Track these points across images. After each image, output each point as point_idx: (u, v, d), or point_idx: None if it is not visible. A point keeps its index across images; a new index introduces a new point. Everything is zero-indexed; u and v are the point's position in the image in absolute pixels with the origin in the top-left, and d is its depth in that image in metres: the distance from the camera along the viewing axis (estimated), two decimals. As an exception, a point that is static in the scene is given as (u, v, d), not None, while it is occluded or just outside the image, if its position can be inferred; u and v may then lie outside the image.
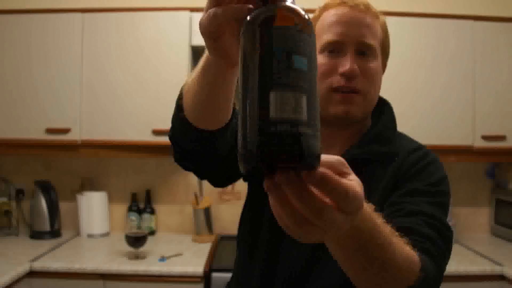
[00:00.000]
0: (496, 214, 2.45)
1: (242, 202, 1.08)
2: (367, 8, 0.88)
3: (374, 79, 0.88)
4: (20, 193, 2.43)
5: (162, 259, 1.93)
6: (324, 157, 0.45)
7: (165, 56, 2.12)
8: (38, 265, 1.83)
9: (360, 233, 0.53)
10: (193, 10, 2.14)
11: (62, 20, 2.13)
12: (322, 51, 0.89)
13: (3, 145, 2.15)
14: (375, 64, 0.88)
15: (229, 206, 2.47)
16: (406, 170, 0.87)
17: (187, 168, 0.89)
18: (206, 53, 0.62)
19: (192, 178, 2.45)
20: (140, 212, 2.41)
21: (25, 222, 2.39)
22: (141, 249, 1.98)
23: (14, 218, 2.34)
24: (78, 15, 2.13)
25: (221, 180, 0.93)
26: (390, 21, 2.30)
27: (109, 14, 2.14)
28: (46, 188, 2.30)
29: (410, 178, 0.86)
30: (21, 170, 2.48)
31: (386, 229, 0.60)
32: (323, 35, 0.88)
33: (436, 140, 2.15)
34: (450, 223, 2.29)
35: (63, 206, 2.40)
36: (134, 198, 2.42)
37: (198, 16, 2.13)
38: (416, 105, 2.15)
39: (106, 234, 2.37)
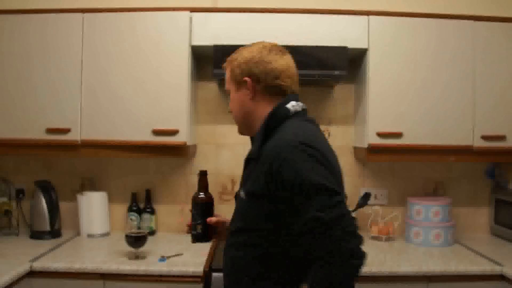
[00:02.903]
0: (496, 214, 2.45)
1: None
2: (227, 62, 1.31)
3: (231, 105, 1.30)
4: (20, 193, 2.43)
5: (162, 259, 1.93)
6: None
7: (164, 56, 2.12)
8: (38, 265, 1.83)
9: None
10: (193, 10, 2.14)
11: (62, 20, 2.13)
12: None
13: (3, 145, 2.15)
14: (230, 96, 1.30)
15: (229, 206, 2.47)
16: (272, 173, 1.08)
17: None
18: None
19: (192, 178, 2.45)
20: (140, 212, 2.41)
21: (25, 222, 2.39)
22: (141, 249, 1.98)
23: (14, 218, 2.35)
24: (78, 15, 2.13)
25: None
26: (391, 21, 2.32)
27: (109, 14, 2.14)
28: (46, 188, 2.31)
29: (279, 187, 1.06)
30: (21, 170, 2.48)
31: None
32: None
33: (436, 140, 2.15)
34: (450, 223, 2.30)
35: (63, 206, 2.40)
36: (134, 198, 2.42)
37: (198, 16, 2.13)
38: (416, 105, 2.15)
39: (106, 234, 2.37)
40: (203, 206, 1.42)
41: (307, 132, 1.12)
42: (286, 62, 1.24)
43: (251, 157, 1.20)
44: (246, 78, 1.23)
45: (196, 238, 1.41)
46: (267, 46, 1.26)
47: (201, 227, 1.40)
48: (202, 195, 1.44)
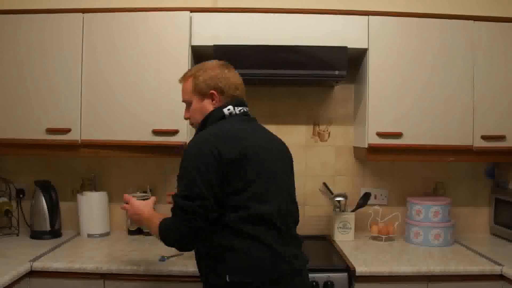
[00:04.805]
0: (496, 214, 2.46)
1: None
2: (182, 78, 1.58)
3: (193, 114, 1.55)
4: (20, 193, 2.43)
5: (162, 259, 1.94)
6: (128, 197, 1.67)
7: (165, 56, 2.12)
8: (39, 265, 1.83)
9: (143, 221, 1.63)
10: (193, 10, 2.14)
11: (63, 20, 2.13)
12: None
13: (3, 145, 2.15)
14: (192, 106, 1.55)
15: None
16: None
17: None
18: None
19: (192, 178, 2.44)
20: (140, 212, 2.41)
21: (25, 222, 2.39)
22: (141, 248, 1.97)
23: (14, 218, 2.35)
24: (79, 15, 2.13)
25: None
26: (390, 21, 2.32)
27: (110, 14, 2.14)
28: (46, 188, 2.31)
29: None
30: (21, 170, 2.48)
31: (154, 218, 1.53)
32: None
33: (436, 140, 2.15)
34: (450, 223, 2.30)
35: (63, 206, 2.40)
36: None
37: (198, 16, 2.13)
38: (416, 105, 2.15)
39: (106, 234, 2.37)
40: None
41: (213, 132, 1.41)
42: (239, 77, 1.56)
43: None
44: (213, 91, 1.50)
45: None
46: (223, 64, 1.56)
47: None
48: None
